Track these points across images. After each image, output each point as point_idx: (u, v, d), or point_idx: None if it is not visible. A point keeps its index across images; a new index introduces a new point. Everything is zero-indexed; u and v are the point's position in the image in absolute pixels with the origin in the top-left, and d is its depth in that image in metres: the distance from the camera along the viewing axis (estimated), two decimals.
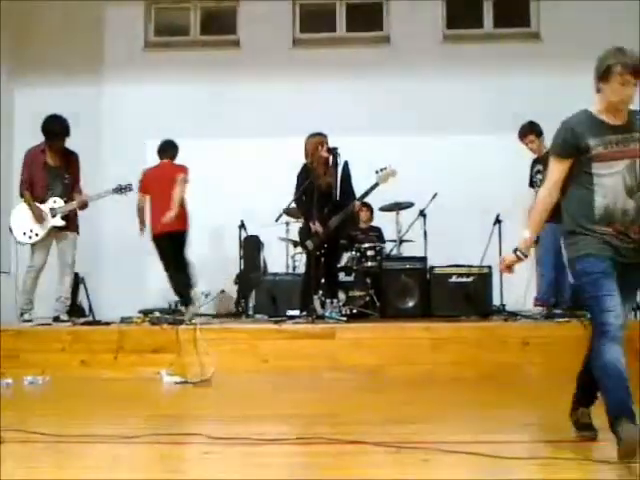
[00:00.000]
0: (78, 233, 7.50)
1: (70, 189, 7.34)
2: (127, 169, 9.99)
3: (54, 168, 7.29)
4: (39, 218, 7.12)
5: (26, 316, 7.12)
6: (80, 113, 10.29)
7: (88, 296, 9.27)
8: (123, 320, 7.21)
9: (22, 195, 7.23)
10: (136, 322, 6.95)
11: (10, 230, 7.21)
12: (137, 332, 6.42)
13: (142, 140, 10.08)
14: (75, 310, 8.97)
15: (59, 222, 7.22)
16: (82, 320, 7.64)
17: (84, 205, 7.38)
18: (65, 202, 7.25)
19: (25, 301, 7.18)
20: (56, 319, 7.25)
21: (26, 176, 7.22)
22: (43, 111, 9.28)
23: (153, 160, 10.00)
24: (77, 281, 9.31)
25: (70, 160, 7.41)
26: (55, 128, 7.23)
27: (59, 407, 5.00)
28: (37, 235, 7.16)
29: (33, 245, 7.21)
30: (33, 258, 7.22)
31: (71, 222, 7.36)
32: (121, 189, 7.65)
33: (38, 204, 7.17)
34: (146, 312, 7.92)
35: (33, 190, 7.19)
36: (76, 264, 9.04)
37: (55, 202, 7.21)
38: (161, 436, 3.67)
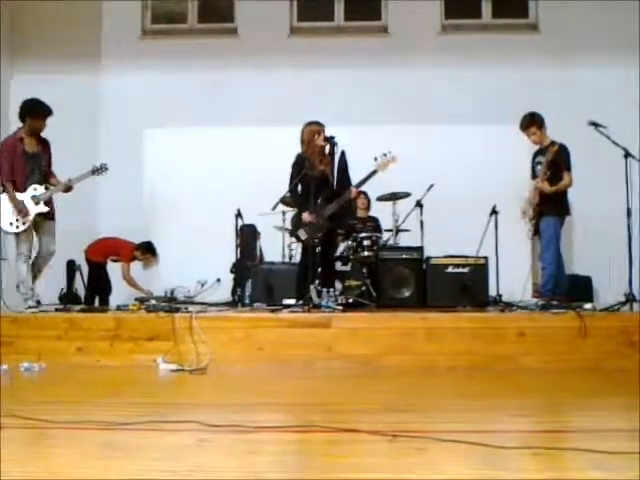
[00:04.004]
0: (54, 220, 7.44)
1: (47, 175, 7.33)
2: (124, 157, 10.03)
3: (32, 155, 7.24)
4: (21, 211, 7.08)
5: (30, 303, 7.12)
6: (77, 101, 10.34)
7: (84, 284, 9.27)
8: (119, 308, 7.21)
9: (3, 187, 7.16)
10: (132, 310, 6.95)
11: None
12: (133, 320, 6.40)
13: (139, 128, 10.09)
14: (71, 298, 9.02)
15: (43, 208, 7.20)
16: (78, 307, 7.63)
17: (69, 189, 7.36)
18: (45, 188, 7.24)
19: (26, 289, 7.18)
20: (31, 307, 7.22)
21: (7, 167, 7.13)
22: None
23: (151, 148, 10.04)
24: (73, 269, 9.35)
25: (45, 146, 7.36)
26: (41, 108, 7.20)
27: (55, 394, 5.00)
28: (24, 224, 7.13)
29: (19, 233, 7.18)
30: (22, 245, 7.19)
31: (50, 209, 7.33)
32: (98, 170, 7.64)
33: (19, 194, 7.13)
34: (142, 300, 7.93)
35: (15, 180, 7.15)
36: (72, 252, 9.11)
37: (35, 189, 7.18)
38: (157, 423, 3.68)
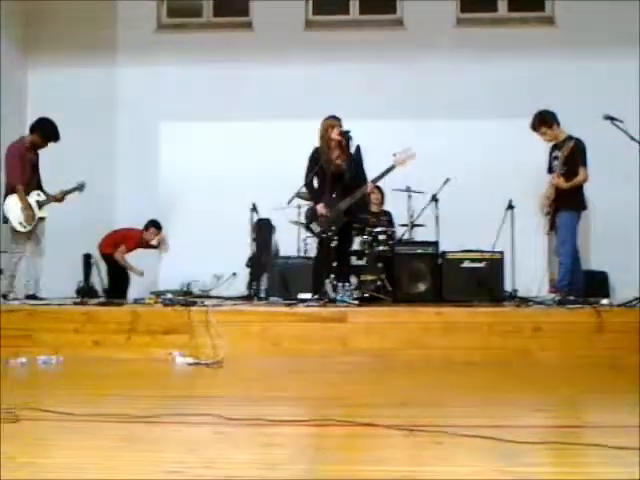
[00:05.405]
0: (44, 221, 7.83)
1: (40, 181, 7.78)
2: (140, 151, 10.07)
3: (34, 164, 7.68)
4: (30, 217, 7.50)
5: (11, 295, 7.42)
6: (93, 95, 10.38)
7: (101, 278, 9.33)
8: (136, 301, 7.25)
9: (14, 190, 7.50)
10: (148, 303, 6.98)
11: (5, 220, 7.51)
12: (150, 313, 6.42)
13: (155, 122, 10.11)
14: (88, 291, 9.09)
15: (44, 213, 7.67)
16: (95, 301, 7.68)
17: (62, 198, 7.75)
18: (45, 195, 7.69)
19: (11, 284, 7.54)
20: (32, 297, 7.53)
21: (19, 170, 7.50)
22: (56, 93, 9.38)
23: (167, 142, 10.07)
24: (90, 262, 9.41)
25: (37, 155, 7.78)
26: (51, 132, 7.62)
27: (72, 387, 5.04)
28: (30, 225, 7.54)
29: (23, 233, 7.53)
30: (22, 245, 7.58)
31: None
32: (82, 187, 7.92)
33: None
34: (158, 293, 7.97)
35: (24, 183, 7.53)
36: (88, 246, 9.22)
37: (39, 195, 7.63)
38: (174, 416, 3.70)
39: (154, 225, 9.45)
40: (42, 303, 7.20)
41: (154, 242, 9.52)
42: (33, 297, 7.51)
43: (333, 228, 7.06)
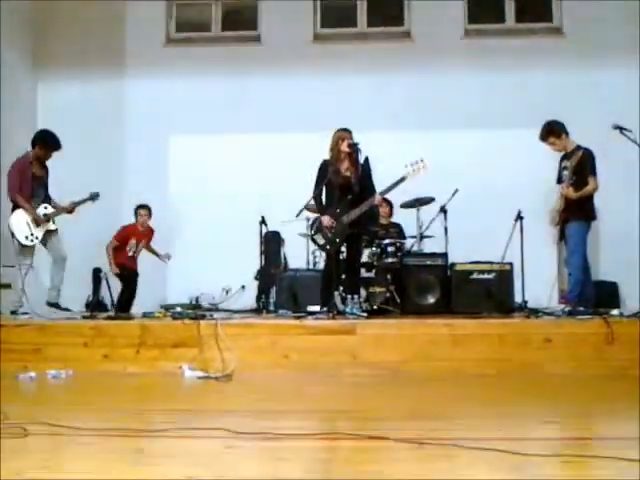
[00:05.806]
0: (57, 230, 7.86)
1: (48, 195, 7.80)
2: (149, 164, 10.11)
3: (38, 177, 7.72)
4: (38, 220, 7.53)
5: (21, 310, 7.43)
6: (102, 109, 10.44)
7: (110, 292, 9.34)
8: (145, 315, 7.26)
9: (14, 199, 7.54)
10: (158, 317, 6.98)
11: (12, 235, 7.52)
12: (159, 327, 6.42)
13: (164, 135, 10.16)
14: (97, 305, 9.10)
15: (53, 226, 7.71)
16: (104, 315, 7.69)
17: (72, 210, 7.83)
18: (53, 207, 7.73)
19: (20, 298, 7.49)
20: (53, 305, 7.65)
21: (17, 183, 7.53)
22: (66, 106, 9.41)
23: (175, 155, 10.11)
24: (99, 276, 9.43)
25: (46, 169, 7.83)
26: (51, 141, 7.66)
27: (82, 401, 5.04)
28: (37, 238, 7.59)
29: (30, 247, 7.58)
30: (28, 258, 7.60)
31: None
32: (95, 196, 7.97)
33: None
34: (167, 307, 7.98)
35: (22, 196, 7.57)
36: (98, 260, 9.23)
37: (46, 208, 7.66)
38: (183, 430, 3.69)
39: (141, 208, 9.41)
40: (58, 314, 7.33)
41: (161, 252, 9.50)
42: (56, 306, 7.61)
43: (337, 240, 7.05)
